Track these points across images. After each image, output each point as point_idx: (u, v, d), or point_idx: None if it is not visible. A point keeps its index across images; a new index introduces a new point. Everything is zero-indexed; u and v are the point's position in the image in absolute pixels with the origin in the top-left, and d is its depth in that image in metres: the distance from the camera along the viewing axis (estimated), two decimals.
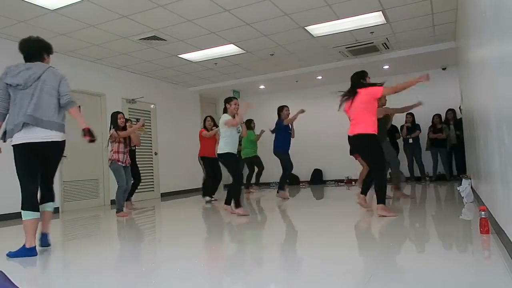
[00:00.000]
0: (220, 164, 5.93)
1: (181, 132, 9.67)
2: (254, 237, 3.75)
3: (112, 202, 7.40)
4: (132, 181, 6.02)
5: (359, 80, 4.36)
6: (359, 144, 4.33)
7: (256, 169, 8.27)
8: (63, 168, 6.72)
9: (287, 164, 6.47)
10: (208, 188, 6.95)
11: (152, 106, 8.91)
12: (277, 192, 6.57)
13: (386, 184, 4.22)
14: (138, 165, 6.55)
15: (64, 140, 3.25)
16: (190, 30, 6.02)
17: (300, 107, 6.88)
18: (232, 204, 4.97)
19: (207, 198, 6.86)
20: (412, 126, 8.52)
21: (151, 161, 8.62)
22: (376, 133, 4.18)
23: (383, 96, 4.21)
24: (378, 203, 4.15)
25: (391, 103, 5.66)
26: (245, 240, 3.65)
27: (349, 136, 4.45)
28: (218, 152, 5.05)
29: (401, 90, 4.15)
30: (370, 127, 4.15)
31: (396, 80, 8.94)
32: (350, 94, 4.32)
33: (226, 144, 4.96)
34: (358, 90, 4.26)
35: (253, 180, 8.38)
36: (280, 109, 6.59)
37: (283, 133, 6.52)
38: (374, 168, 4.28)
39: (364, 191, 4.64)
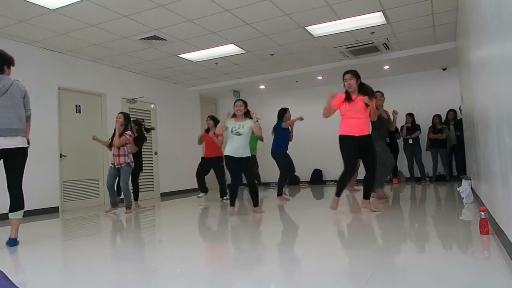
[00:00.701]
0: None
1: (181, 132, 9.67)
2: (253, 238, 3.75)
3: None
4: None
5: None
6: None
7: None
8: (63, 167, 6.73)
9: (290, 166, 6.48)
10: (203, 185, 7.05)
11: (152, 105, 8.91)
12: (278, 195, 6.49)
13: (343, 184, 4.57)
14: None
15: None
16: (190, 30, 6.02)
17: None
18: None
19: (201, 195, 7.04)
20: (412, 126, 8.52)
21: (151, 160, 8.62)
22: (341, 134, 4.49)
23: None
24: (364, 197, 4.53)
25: (388, 106, 5.69)
26: (244, 240, 3.64)
27: None
28: (248, 156, 5.03)
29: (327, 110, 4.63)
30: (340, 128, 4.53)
31: (396, 80, 8.99)
32: None
33: (227, 146, 5.00)
34: None
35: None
36: (284, 111, 6.59)
37: (284, 135, 6.51)
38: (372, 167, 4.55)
39: (366, 196, 4.64)
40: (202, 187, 7.03)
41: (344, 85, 4.51)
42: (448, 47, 7.32)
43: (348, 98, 4.44)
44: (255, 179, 5.28)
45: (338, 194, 4.54)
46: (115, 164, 5.72)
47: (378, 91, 5.42)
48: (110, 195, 5.81)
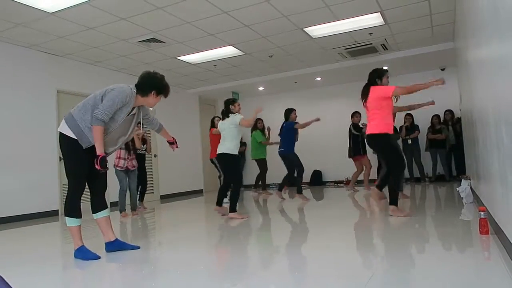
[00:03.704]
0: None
1: (181, 134, 9.65)
2: (253, 240, 3.75)
3: (112, 204, 7.39)
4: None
5: (374, 78, 4.30)
6: (371, 144, 4.37)
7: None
8: (62, 171, 6.71)
9: (300, 164, 6.58)
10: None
11: (151, 108, 8.89)
12: (298, 193, 6.60)
13: (401, 185, 4.22)
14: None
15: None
16: (188, 32, 6.03)
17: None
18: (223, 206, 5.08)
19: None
20: (411, 126, 8.53)
21: (151, 163, 8.60)
22: (388, 132, 4.16)
23: (394, 95, 4.11)
24: (390, 203, 4.15)
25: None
26: (244, 242, 3.64)
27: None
28: (225, 152, 4.88)
29: (415, 91, 4.10)
30: (380, 126, 4.13)
31: (395, 80, 8.94)
32: (364, 92, 4.31)
33: (235, 146, 4.92)
34: (371, 87, 4.24)
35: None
36: (290, 111, 6.75)
37: (292, 135, 6.64)
38: (391, 168, 4.27)
39: (380, 187, 4.62)
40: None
41: (382, 80, 4.28)
42: (447, 48, 7.34)
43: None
44: (232, 180, 5.08)
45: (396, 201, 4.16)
46: (129, 167, 5.71)
47: None
48: (125, 199, 5.77)
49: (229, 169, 5.02)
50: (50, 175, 6.48)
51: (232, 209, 4.82)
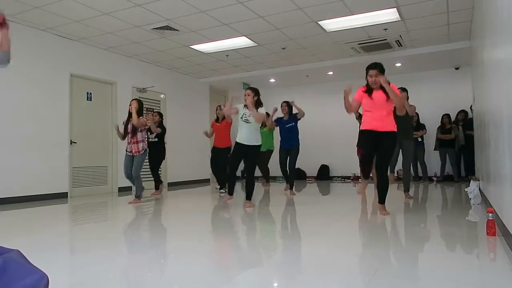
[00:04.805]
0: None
1: (190, 123, 9.71)
2: (255, 233, 3.77)
3: (120, 189, 7.49)
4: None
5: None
6: (392, 141, 4.21)
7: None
8: (73, 154, 6.81)
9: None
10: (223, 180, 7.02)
11: (162, 95, 8.94)
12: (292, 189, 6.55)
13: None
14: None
15: None
16: (202, 21, 6.02)
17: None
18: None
19: (222, 190, 6.97)
20: (417, 125, 8.42)
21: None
22: (360, 129, 4.35)
23: None
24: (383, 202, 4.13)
25: None
26: (246, 235, 3.66)
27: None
28: (259, 144, 5.02)
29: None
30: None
31: (408, 78, 8.89)
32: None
33: (238, 133, 5.05)
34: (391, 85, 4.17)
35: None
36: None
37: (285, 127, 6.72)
38: (387, 165, 4.22)
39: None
40: (223, 182, 6.90)
41: (366, 80, 4.13)
42: (462, 46, 7.23)
43: (369, 92, 4.12)
44: (253, 172, 5.11)
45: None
46: (133, 152, 5.51)
47: (400, 88, 5.32)
48: (133, 184, 5.64)
49: (256, 161, 5.14)
50: (61, 158, 6.57)
51: (249, 198, 5.04)
